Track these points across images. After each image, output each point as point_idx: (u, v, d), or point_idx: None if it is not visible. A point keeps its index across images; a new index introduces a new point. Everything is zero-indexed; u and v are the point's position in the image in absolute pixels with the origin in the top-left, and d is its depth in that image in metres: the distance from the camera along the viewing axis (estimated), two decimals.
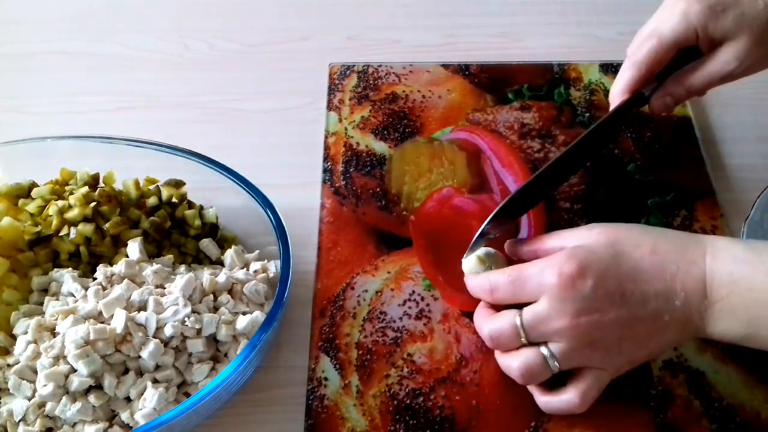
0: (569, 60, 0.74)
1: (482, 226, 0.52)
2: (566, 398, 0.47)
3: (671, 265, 0.45)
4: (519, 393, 0.54)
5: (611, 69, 0.73)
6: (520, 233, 0.62)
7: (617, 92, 0.58)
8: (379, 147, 0.68)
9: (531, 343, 0.47)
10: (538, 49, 0.77)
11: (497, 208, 0.52)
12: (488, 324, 0.48)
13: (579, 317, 0.44)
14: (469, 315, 0.57)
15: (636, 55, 0.57)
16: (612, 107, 0.59)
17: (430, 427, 0.52)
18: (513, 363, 0.48)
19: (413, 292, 0.59)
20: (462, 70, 0.74)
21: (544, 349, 0.46)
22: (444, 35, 0.79)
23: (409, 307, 0.58)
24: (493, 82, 0.73)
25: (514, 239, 0.53)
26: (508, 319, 0.47)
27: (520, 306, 0.47)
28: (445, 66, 0.74)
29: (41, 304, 0.54)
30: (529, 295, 0.46)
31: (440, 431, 0.52)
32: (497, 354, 0.50)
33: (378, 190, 0.65)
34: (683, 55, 0.57)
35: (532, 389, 0.50)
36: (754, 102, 0.72)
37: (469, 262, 0.52)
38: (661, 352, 0.49)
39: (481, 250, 0.52)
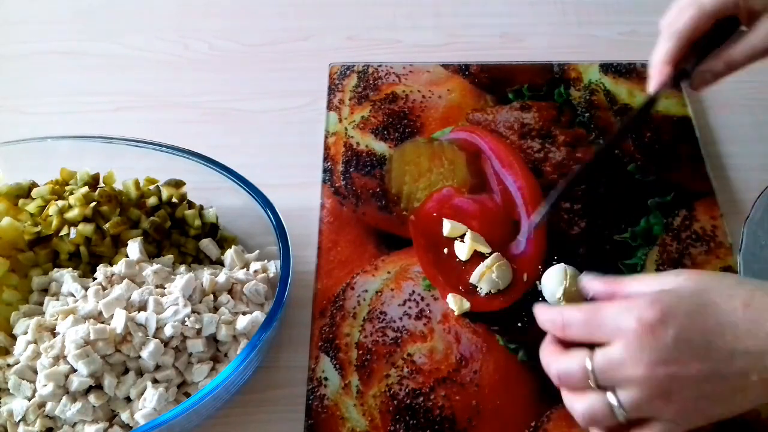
0: (569, 60, 0.74)
1: (545, 207, 0.50)
2: None
3: (767, 322, 0.41)
4: (519, 393, 0.54)
5: (611, 69, 0.73)
6: (520, 233, 0.62)
7: (657, 63, 0.56)
8: (379, 147, 0.68)
9: (600, 387, 0.43)
10: (538, 49, 0.77)
11: (561, 189, 0.51)
12: (557, 363, 0.44)
13: (656, 368, 0.40)
14: (469, 315, 0.57)
15: (675, 24, 0.55)
16: (652, 80, 0.56)
17: (430, 427, 0.52)
18: (577, 406, 0.44)
19: (413, 292, 0.59)
20: (462, 70, 0.74)
21: (612, 397, 0.42)
22: (444, 35, 0.79)
23: (409, 307, 0.58)
24: (493, 82, 0.73)
25: (592, 277, 0.49)
26: (578, 360, 0.43)
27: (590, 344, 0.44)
28: (445, 66, 0.74)
29: (41, 304, 0.54)
30: (603, 337, 0.42)
31: (440, 431, 0.52)
32: (563, 391, 0.46)
33: (378, 190, 0.65)
34: (721, 27, 0.55)
35: None
36: (753, 102, 0.72)
37: (558, 274, 0.50)
38: (742, 411, 0.44)
39: (570, 267, 0.50)
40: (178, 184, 0.60)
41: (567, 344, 0.46)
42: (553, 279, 0.52)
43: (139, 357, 0.50)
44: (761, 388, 0.41)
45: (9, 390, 0.50)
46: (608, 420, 0.43)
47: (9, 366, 0.51)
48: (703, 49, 0.56)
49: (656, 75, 0.56)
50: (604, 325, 0.43)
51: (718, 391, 0.41)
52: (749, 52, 0.54)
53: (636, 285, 0.45)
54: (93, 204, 0.55)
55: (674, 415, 0.42)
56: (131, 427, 0.49)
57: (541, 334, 0.56)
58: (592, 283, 0.48)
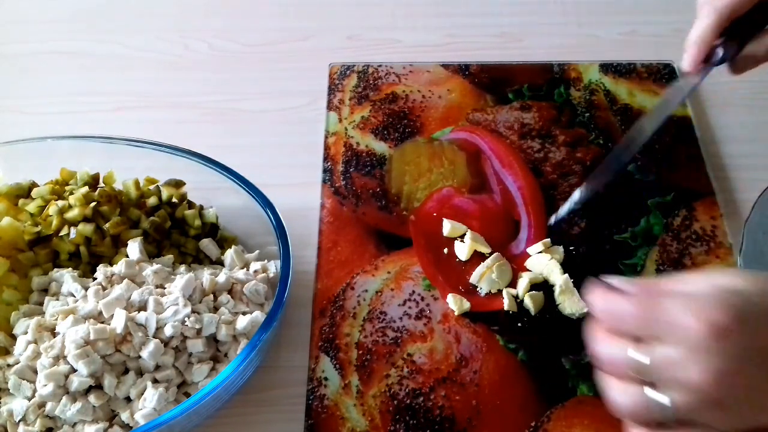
0: (569, 60, 0.74)
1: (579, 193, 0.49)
2: None
3: None
4: (519, 393, 0.54)
5: (611, 69, 0.73)
6: (520, 233, 0.62)
7: (696, 39, 0.54)
8: (379, 147, 0.68)
9: (649, 383, 0.38)
10: (538, 49, 0.77)
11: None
12: (604, 344, 0.40)
13: (722, 376, 0.36)
14: (469, 315, 0.57)
15: (716, 1, 0.53)
16: (689, 57, 0.55)
17: (430, 427, 0.52)
18: (619, 398, 0.39)
19: (413, 292, 0.59)
20: (462, 70, 0.74)
21: (664, 398, 0.38)
22: (444, 35, 0.79)
23: (409, 307, 0.58)
24: (493, 82, 0.73)
25: (615, 280, 0.42)
26: (626, 349, 0.38)
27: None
28: (445, 66, 0.74)
29: (41, 304, 0.54)
30: (658, 333, 0.38)
31: (440, 431, 0.52)
32: (602, 376, 0.41)
33: (378, 190, 0.65)
34: (763, 8, 0.53)
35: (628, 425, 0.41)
36: (753, 102, 0.72)
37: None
38: None
39: None
40: (178, 184, 0.60)
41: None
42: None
43: (139, 357, 0.50)
44: None
45: (9, 390, 0.50)
46: (652, 416, 0.38)
47: (9, 366, 0.51)
48: (743, 31, 0.54)
49: (694, 52, 0.54)
50: (662, 321, 0.38)
51: None
52: None
53: (680, 287, 0.39)
54: (93, 204, 0.55)
55: (726, 425, 0.38)
56: (131, 427, 0.49)
57: (541, 334, 0.57)
58: (621, 286, 0.41)
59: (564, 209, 0.59)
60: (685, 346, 0.37)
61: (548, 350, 0.56)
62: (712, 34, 0.53)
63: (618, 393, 0.39)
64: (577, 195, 0.57)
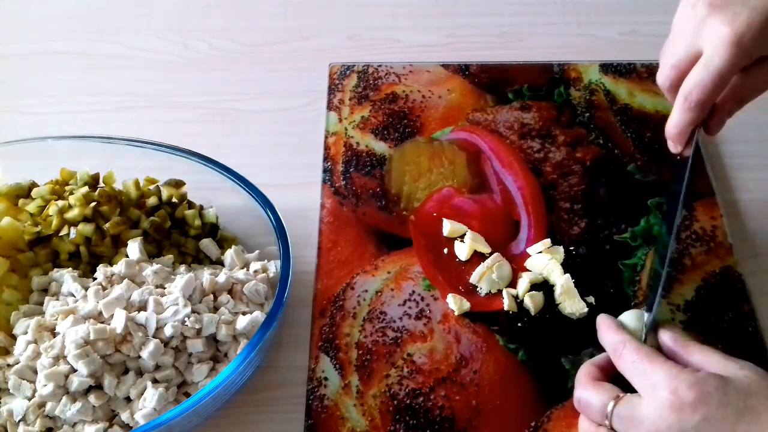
0: (569, 60, 0.74)
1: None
2: None
3: None
4: (519, 393, 0.54)
5: (611, 69, 0.73)
6: (520, 233, 0.62)
7: (681, 132, 0.52)
8: (379, 147, 0.68)
9: (612, 429, 0.45)
10: (538, 49, 0.77)
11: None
12: (585, 390, 0.47)
13: None
14: (469, 315, 0.57)
15: (696, 94, 0.50)
16: (678, 146, 0.54)
17: (430, 427, 0.52)
18: None
19: (413, 292, 0.59)
20: (462, 70, 0.74)
21: None
22: (444, 35, 0.79)
23: (409, 307, 0.58)
24: (493, 82, 0.73)
25: (669, 330, 0.48)
26: (603, 398, 0.46)
27: (623, 386, 0.46)
28: (445, 66, 0.74)
29: (41, 304, 0.54)
30: (641, 386, 0.45)
31: (440, 431, 0.52)
32: (581, 416, 0.49)
33: (378, 190, 0.65)
34: None
35: None
36: (753, 102, 0.72)
37: (635, 319, 0.50)
38: None
39: (647, 314, 0.50)
40: (178, 184, 0.60)
41: (607, 373, 0.48)
42: (630, 323, 0.52)
43: (139, 357, 0.50)
44: None
45: (9, 390, 0.50)
46: None
47: (9, 366, 0.51)
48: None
49: (682, 140, 0.53)
50: (648, 378, 0.44)
51: None
52: (761, 91, 0.53)
53: (699, 357, 0.46)
54: (93, 204, 0.55)
55: None
56: (131, 427, 0.49)
57: (541, 334, 0.57)
58: (664, 335, 0.48)
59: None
60: (652, 408, 0.43)
61: (548, 350, 0.56)
62: (693, 126, 0.52)
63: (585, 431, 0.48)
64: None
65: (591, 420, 0.47)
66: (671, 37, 0.54)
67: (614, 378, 0.47)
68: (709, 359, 0.45)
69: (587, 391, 0.47)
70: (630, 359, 0.46)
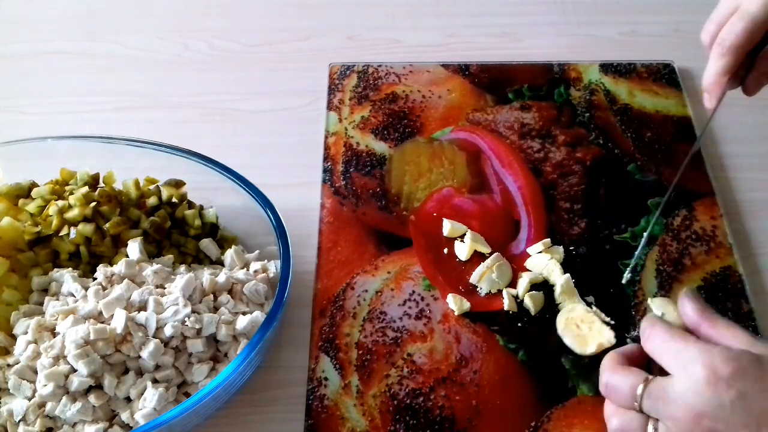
0: (569, 60, 0.74)
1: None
2: None
3: None
4: (519, 393, 0.54)
5: (611, 69, 0.73)
6: (520, 233, 0.62)
7: (715, 79, 0.54)
8: (379, 147, 0.68)
9: (642, 411, 0.44)
10: (538, 49, 0.77)
11: None
12: (610, 374, 0.46)
13: (703, 419, 0.41)
14: (469, 315, 0.57)
15: (728, 39, 0.52)
16: (711, 95, 0.55)
17: (430, 427, 0.52)
18: (613, 420, 0.46)
19: (413, 292, 0.59)
20: (462, 70, 0.74)
21: (650, 428, 0.44)
22: (444, 35, 0.79)
23: (409, 307, 0.58)
24: (493, 82, 0.73)
25: (695, 302, 0.48)
26: (632, 380, 0.45)
27: (647, 367, 0.46)
28: (445, 66, 0.74)
29: (41, 304, 0.54)
30: (672, 365, 0.44)
31: (440, 431, 0.52)
32: (606, 402, 0.48)
33: (378, 190, 0.65)
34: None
35: None
36: (753, 102, 0.71)
37: (662, 304, 0.51)
38: None
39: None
40: (178, 184, 0.60)
41: (635, 363, 0.47)
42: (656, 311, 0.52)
43: (139, 357, 0.50)
44: None
45: (9, 390, 0.50)
46: None
47: (9, 366, 0.51)
48: (753, 53, 0.54)
49: (716, 90, 0.54)
50: (680, 355, 0.43)
51: None
52: None
53: (726, 332, 0.45)
54: (93, 204, 0.55)
55: None
56: (131, 427, 0.49)
57: (541, 333, 0.57)
58: (687, 306, 0.48)
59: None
60: (685, 385, 0.42)
61: (548, 350, 0.56)
62: (727, 74, 0.53)
63: (614, 417, 0.46)
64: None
65: (619, 404, 0.46)
66: (720, 5, 0.55)
67: (641, 366, 0.46)
68: (735, 335, 0.44)
69: (615, 375, 0.46)
70: (660, 339, 0.45)
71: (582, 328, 0.56)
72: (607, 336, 0.55)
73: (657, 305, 0.51)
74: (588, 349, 0.55)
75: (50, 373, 0.48)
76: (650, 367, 0.47)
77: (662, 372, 0.45)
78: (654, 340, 0.46)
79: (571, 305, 0.57)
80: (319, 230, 0.63)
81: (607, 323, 0.56)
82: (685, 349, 0.43)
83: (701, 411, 0.41)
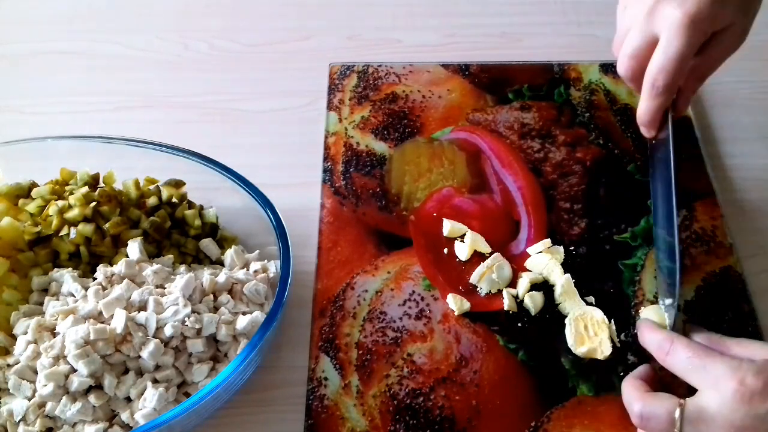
0: (569, 60, 0.74)
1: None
2: None
3: None
4: (519, 393, 0.54)
5: (611, 69, 0.73)
6: (520, 233, 0.62)
7: (652, 118, 0.54)
8: (379, 147, 0.68)
9: None
10: (538, 49, 0.77)
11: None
12: (643, 403, 0.46)
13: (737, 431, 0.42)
14: (469, 315, 0.57)
15: (661, 80, 0.51)
16: (652, 131, 0.55)
17: (430, 427, 0.52)
18: None
19: (413, 292, 0.59)
20: (462, 70, 0.74)
21: None
22: (444, 35, 0.79)
23: (409, 307, 0.58)
24: (493, 82, 0.73)
25: (697, 327, 0.49)
26: (667, 406, 0.44)
27: (675, 390, 0.46)
28: (445, 66, 0.74)
29: (41, 304, 0.54)
30: (701, 382, 0.44)
31: (440, 431, 0.52)
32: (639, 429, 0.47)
33: (378, 190, 0.65)
34: None
35: None
36: (753, 102, 0.72)
37: (656, 313, 0.51)
38: None
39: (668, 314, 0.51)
40: (178, 184, 0.60)
41: (652, 384, 0.48)
42: (655, 319, 0.52)
43: (139, 357, 0.50)
44: None
45: (9, 390, 0.50)
46: None
47: (9, 366, 0.51)
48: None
49: (654, 124, 0.54)
50: (708, 372, 0.43)
51: None
52: (718, 64, 0.53)
53: (739, 349, 0.46)
54: (93, 204, 0.55)
55: None
56: (131, 427, 0.49)
57: (541, 333, 0.57)
58: (697, 337, 0.48)
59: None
60: (720, 401, 0.42)
61: (548, 350, 0.56)
62: (663, 110, 0.53)
63: None
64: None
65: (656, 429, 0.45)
66: (620, 28, 0.54)
67: (659, 388, 0.47)
68: (750, 349, 0.45)
69: (647, 404, 0.45)
70: (684, 355, 0.45)
71: (588, 330, 0.56)
72: (605, 351, 0.55)
73: (651, 314, 0.51)
74: (580, 349, 0.55)
75: (50, 373, 0.48)
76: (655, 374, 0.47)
77: (671, 385, 0.45)
78: (677, 356, 0.46)
79: (592, 308, 0.57)
80: (319, 230, 0.63)
81: (613, 343, 0.56)
82: (713, 366, 0.43)
83: (740, 426, 0.41)
